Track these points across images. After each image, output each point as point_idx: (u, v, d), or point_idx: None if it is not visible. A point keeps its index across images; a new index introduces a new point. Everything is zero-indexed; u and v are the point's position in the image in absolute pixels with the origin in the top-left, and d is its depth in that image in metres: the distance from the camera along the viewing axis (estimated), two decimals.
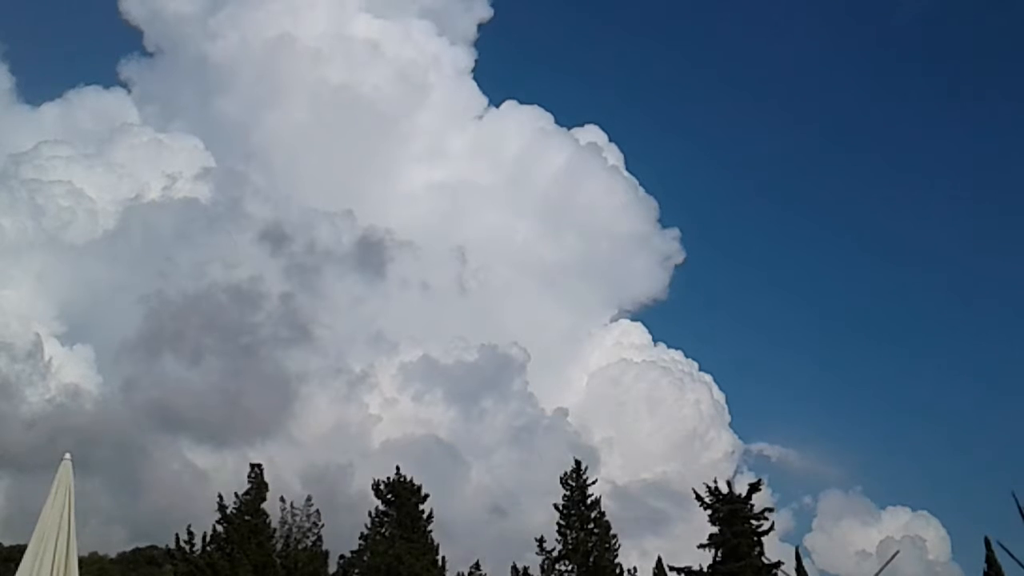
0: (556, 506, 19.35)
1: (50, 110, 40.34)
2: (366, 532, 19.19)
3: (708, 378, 36.94)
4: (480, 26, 41.98)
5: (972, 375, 43.88)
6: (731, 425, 36.89)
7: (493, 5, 42.34)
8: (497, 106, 41.69)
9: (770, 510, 19.03)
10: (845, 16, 56.34)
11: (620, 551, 19.29)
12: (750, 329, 49.69)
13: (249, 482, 18.28)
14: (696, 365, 37.15)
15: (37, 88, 40.08)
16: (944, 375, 45.43)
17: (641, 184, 41.07)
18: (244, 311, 28.97)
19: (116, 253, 30.81)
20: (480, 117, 41.54)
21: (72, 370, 29.53)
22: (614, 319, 39.26)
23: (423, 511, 19.48)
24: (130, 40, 41.87)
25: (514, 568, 19.34)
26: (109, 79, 42.18)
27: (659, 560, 19.41)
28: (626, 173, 41.19)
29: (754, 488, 18.90)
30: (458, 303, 34.43)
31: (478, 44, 41.93)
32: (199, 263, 29.52)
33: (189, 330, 28.37)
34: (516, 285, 37.04)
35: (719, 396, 36.45)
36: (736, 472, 28.48)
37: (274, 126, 38.60)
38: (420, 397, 31.46)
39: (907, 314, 48.73)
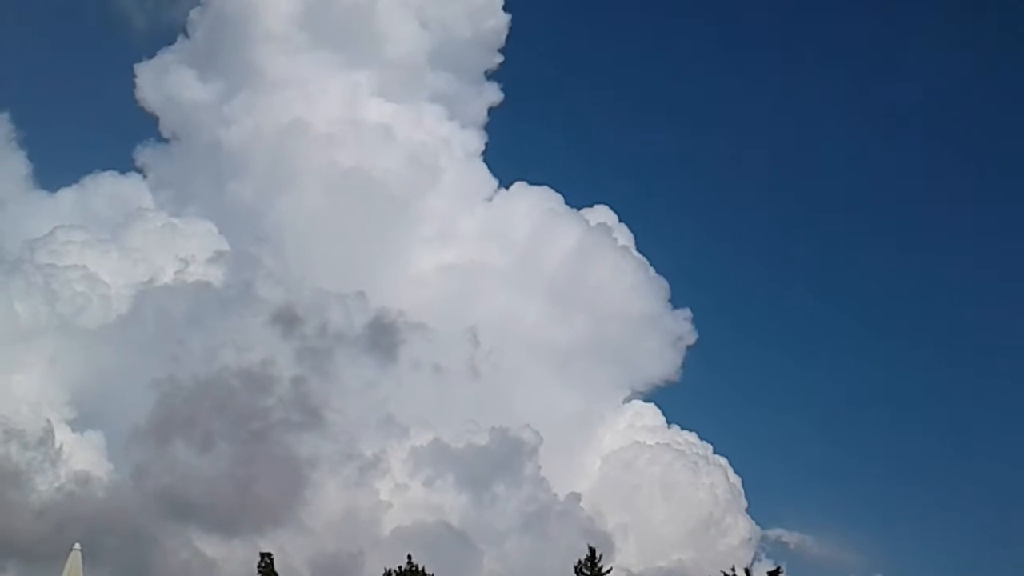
0: None
1: (66, 195, 40.67)
2: None
3: (723, 461, 36.59)
4: (491, 110, 42.71)
5: (1003, 462, 43.17)
6: (748, 510, 36.25)
7: (503, 90, 43.05)
8: (507, 187, 42.06)
9: None
10: (852, 95, 57.25)
11: None
12: (765, 411, 49.07)
13: (259, 571, 18.09)
14: (711, 448, 36.84)
15: (54, 174, 40.49)
16: (973, 460, 44.72)
17: (652, 264, 41.15)
18: (255, 395, 28.87)
19: (129, 337, 30.82)
20: (490, 199, 41.90)
21: (82, 457, 29.30)
22: (627, 400, 39.02)
23: None
24: (146, 126, 42.38)
25: None
26: (125, 165, 42.56)
27: None
28: (636, 253, 41.35)
29: None
30: (470, 385, 34.21)
31: (488, 127, 42.55)
32: (211, 347, 29.51)
33: (200, 415, 28.22)
34: (527, 367, 36.80)
35: (735, 480, 36.06)
36: (754, 559, 27.98)
37: (287, 209, 38.90)
38: (431, 482, 31.11)
39: (932, 396, 48.29)
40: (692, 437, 37.43)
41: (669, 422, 37.83)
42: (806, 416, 48.61)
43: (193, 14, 42.70)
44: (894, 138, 56.29)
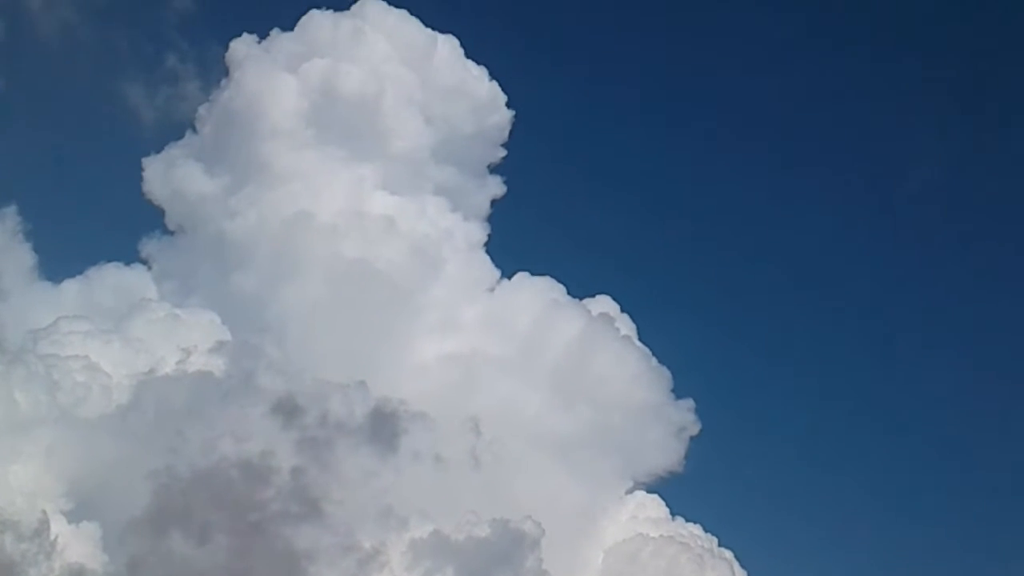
0: None
1: (71, 287, 41.08)
2: None
3: (728, 554, 36.14)
4: (493, 202, 43.44)
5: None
6: None
7: (506, 183, 43.84)
8: (509, 278, 42.46)
9: None
10: (855, 183, 58.01)
11: None
12: (770, 502, 48.53)
13: None
14: (715, 540, 36.44)
15: (59, 265, 40.97)
16: (990, 554, 44.05)
17: (654, 355, 41.16)
18: (254, 487, 28.54)
19: (128, 428, 30.69)
20: (492, 289, 42.20)
21: (77, 548, 28.84)
22: (629, 491, 38.65)
23: None
24: (152, 219, 42.96)
25: None
26: (130, 256, 43.01)
27: None
28: (639, 344, 41.40)
29: None
30: (471, 476, 33.87)
31: (491, 219, 43.22)
32: (210, 437, 29.30)
33: (198, 507, 27.86)
34: (529, 457, 36.49)
35: (741, 574, 35.50)
36: None
37: (290, 300, 39.17)
38: None
39: (944, 489, 47.76)
40: (697, 529, 37.04)
41: (673, 514, 37.52)
42: (812, 508, 48.10)
43: (202, 110, 43.90)
44: (900, 225, 56.74)
